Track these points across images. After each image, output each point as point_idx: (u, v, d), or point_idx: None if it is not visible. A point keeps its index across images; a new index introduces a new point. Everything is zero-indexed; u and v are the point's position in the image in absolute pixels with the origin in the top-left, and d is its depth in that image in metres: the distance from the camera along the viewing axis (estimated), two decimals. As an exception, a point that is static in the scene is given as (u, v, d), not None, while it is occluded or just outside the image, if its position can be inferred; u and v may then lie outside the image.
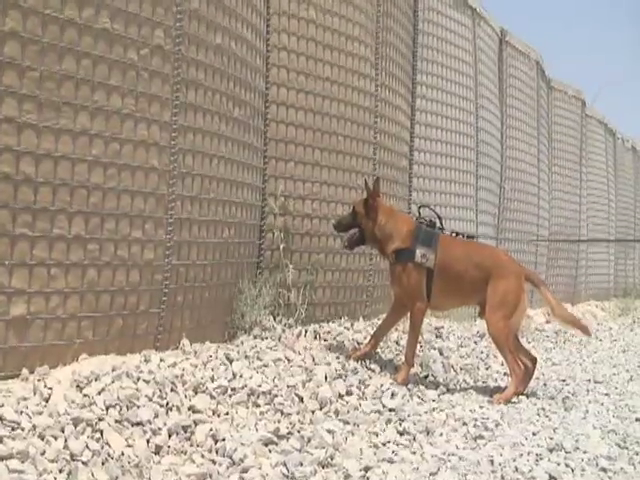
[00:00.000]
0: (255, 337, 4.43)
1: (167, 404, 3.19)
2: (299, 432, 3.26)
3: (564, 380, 5.37)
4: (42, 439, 2.67)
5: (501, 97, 9.25)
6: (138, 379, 3.29)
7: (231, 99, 4.43)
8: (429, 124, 7.36)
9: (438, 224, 4.72)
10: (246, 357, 3.95)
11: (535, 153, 10.05)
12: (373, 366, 4.53)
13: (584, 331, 4.83)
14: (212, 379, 3.53)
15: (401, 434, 3.53)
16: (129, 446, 2.82)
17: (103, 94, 3.51)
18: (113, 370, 3.33)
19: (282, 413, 3.46)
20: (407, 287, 4.48)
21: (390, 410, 3.85)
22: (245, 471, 2.78)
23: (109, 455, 2.70)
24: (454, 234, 4.81)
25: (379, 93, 6.18)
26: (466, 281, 4.53)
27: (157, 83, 3.80)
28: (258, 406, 3.47)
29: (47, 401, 2.97)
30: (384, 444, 3.36)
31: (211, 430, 3.08)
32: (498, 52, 9.26)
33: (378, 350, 4.83)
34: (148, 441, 2.90)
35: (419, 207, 5.00)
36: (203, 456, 2.91)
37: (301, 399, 3.65)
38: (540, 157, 10.24)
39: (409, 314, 4.55)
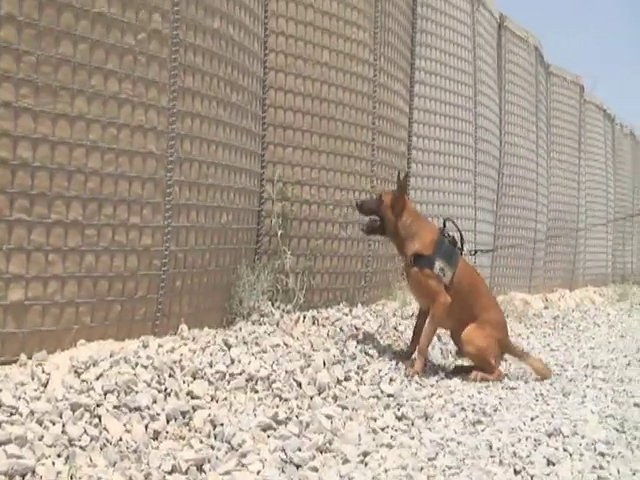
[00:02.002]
0: (253, 323, 4.43)
1: (165, 389, 3.19)
2: (297, 417, 3.27)
3: (562, 366, 5.38)
4: (40, 424, 2.67)
5: (500, 83, 9.22)
6: (136, 364, 3.29)
7: (229, 84, 4.41)
8: (428, 109, 7.34)
9: (459, 244, 4.65)
10: (244, 343, 3.95)
11: (534, 139, 10.03)
12: (371, 352, 4.53)
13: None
14: (210, 364, 3.52)
15: (399, 419, 3.54)
16: (127, 431, 2.82)
17: (100, 78, 3.49)
18: (111, 355, 3.33)
19: (280, 398, 3.46)
20: (425, 288, 4.45)
21: (388, 395, 3.85)
22: (244, 456, 2.78)
23: (107, 440, 2.70)
24: (473, 252, 4.82)
25: (378, 78, 6.15)
26: (467, 311, 4.54)
27: (155, 68, 3.78)
28: (256, 392, 3.47)
29: (45, 386, 2.97)
30: (382, 429, 3.36)
31: (209, 415, 3.09)
32: (497, 37, 9.23)
33: (376, 336, 4.84)
34: (146, 426, 2.90)
35: (444, 220, 4.89)
36: (201, 441, 2.91)
37: (299, 384, 3.65)
38: (539, 143, 10.22)
39: (431, 308, 4.50)
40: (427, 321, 4.52)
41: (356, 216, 5.80)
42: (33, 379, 3.01)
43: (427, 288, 4.45)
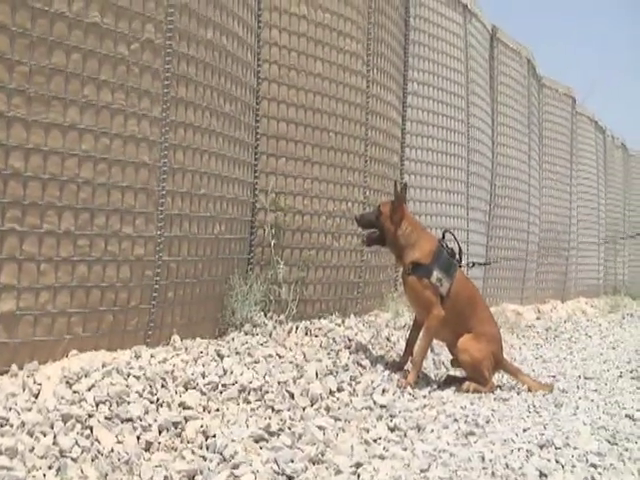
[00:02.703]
0: (246, 333, 4.42)
1: (157, 400, 3.18)
2: (290, 428, 3.25)
3: (554, 376, 5.38)
4: (31, 435, 2.65)
5: (492, 94, 9.26)
6: (128, 375, 3.28)
7: (222, 94, 4.41)
8: (420, 120, 7.36)
9: (457, 256, 4.65)
10: (237, 353, 3.94)
11: (526, 150, 10.07)
12: (364, 363, 4.52)
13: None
14: (203, 375, 3.51)
15: (392, 430, 3.53)
16: (119, 442, 2.81)
17: (93, 88, 3.49)
18: (103, 366, 3.31)
19: (273, 409, 3.45)
20: (422, 297, 4.45)
21: (381, 406, 3.84)
22: (236, 467, 2.76)
23: (99, 451, 2.69)
24: (471, 264, 4.83)
25: (370, 89, 6.17)
26: (462, 323, 4.54)
27: (147, 78, 3.78)
28: (249, 402, 3.46)
29: (36, 397, 2.96)
30: (375, 440, 3.35)
31: (202, 426, 3.07)
32: (489, 49, 9.27)
33: (369, 347, 4.83)
34: (138, 437, 2.88)
35: (444, 232, 4.88)
36: (194, 452, 2.90)
37: (292, 395, 3.64)
38: (531, 154, 10.26)
39: (425, 320, 4.49)
40: (421, 334, 4.52)
41: (349, 227, 5.81)
42: (24, 390, 2.99)
43: (423, 298, 4.45)
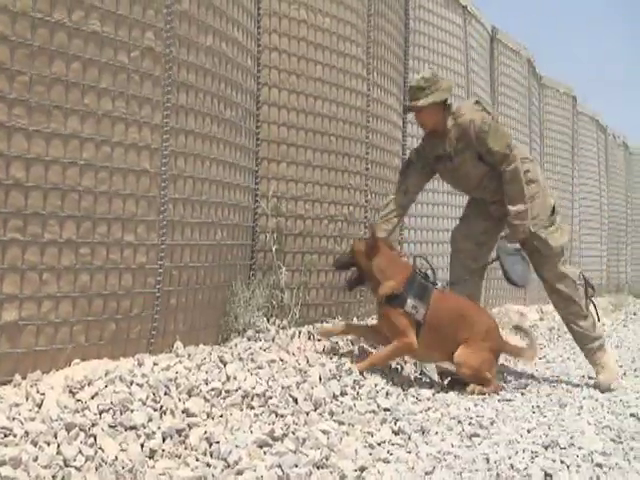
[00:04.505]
0: (249, 339, 4.42)
1: (161, 408, 3.18)
2: (294, 433, 3.25)
3: (558, 377, 5.38)
4: (35, 445, 2.65)
5: (493, 95, 9.26)
6: (131, 383, 3.28)
7: (222, 100, 4.42)
8: (421, 123, 7.35)
9: (432, 278, 4.68)
10: (240, 359, 3.94)
11: (527, 150, 10.06)
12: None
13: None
14: (206, 382, 3.51)
15: (396, 434, 3.53)
16: (123, 450, 2.81)
17: (94, 97, 3.50)
18: (106, 374, 3.31)
19: (277, 415, 3.45)
20: (394, 326, 4.43)
21: (385, 410, 3.84)
22: (240, 473, 2.77)
23: (103, 460, 2.69)
24: (448, 284, 4.90)
25: (371, 92, 6.18)
26: (451, 340, 4.50)
27: (148, 85, 3.79)
28: (252, 408, 3.46)
29: (40, 407, 2.96)
30: (379, 444, 3.35)
31: (205, 433, 3.07)
32: (489, 50, 9.28)
33: (372, 350, 4.83)
34: (142, 445, 2.88)
35: (414, 257, 4.99)
36: (198, 459, 2.90)
37: (295, 400, 3.64)
38: (532, 154, 10.25)
39: (397, 342, 4.44)
40: (391, 346, 4.46)
41: (350, 231, 5.82)
42: (27, 399, 2.99)
43: (396, 326, 4.42)
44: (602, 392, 4.84)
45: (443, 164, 5.02)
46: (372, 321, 5.21)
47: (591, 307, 5.19)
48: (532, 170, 5.08)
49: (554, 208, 5.14)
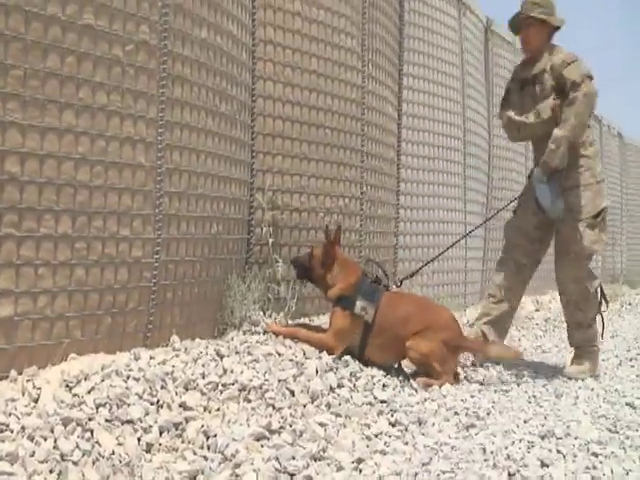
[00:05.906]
0: (245, 332, 4.43)
1: (158, 401, 3.18)
2: (291, 426, 3.26)
3: (554, 367, 5.40)
4: (31, 440, 2.65)
5: (488, 86, 9.26)
6: (128, 377, 3.28)
7: (218, 94, 4.41)
8: (416, 115, 7.37)
9: (384, 281, 4.67)
10: (237, 352, 3.94)
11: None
12: (364, 358, 4.53)
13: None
14: (203, 375, 3.52)
15: (393, 425, 3.54)
16: (120, 445, 2.81)
17: (88, 91, 3.48)
18: (102, 369, 3.31)
19: (273, 407, 3.46)
20: (332, 325, 4.43)
21: (382, 402, 3.85)
22: (237, 466, 2.77)
23: (100, 454, 2.69)
24: (399, 283, 4.96)
25: (366, 85, 6.18)
26: (402, 339, 4.44)
27: (143, 79, 3.78)
28: (249, 401, 3.46)
29: (36, 402, 2.96)
30: (376, 435, 3.36)
31: (202, 426, 3.08)
32: (484, 41, 9.27)
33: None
34: (139, 439, 2.88)
35: (366, 261, 5.01)
36: (195, 453, 2.90)
37: (292, 393, 3.65)
38: (527, 145, 10.25)
39: (323, 335, 4.43)
40: (318, 334, 4.43)
41: (346, 223, 5.82)
42: (24, 395, 2.99)
43: (333, 325, 4.42)
44: (566, 377, 4.94)
45: (527, 88, 5.19)
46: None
47: (598, 318, 5.20)
48: (593, 167, 5.13)
49: (601, 213, 5.10)
